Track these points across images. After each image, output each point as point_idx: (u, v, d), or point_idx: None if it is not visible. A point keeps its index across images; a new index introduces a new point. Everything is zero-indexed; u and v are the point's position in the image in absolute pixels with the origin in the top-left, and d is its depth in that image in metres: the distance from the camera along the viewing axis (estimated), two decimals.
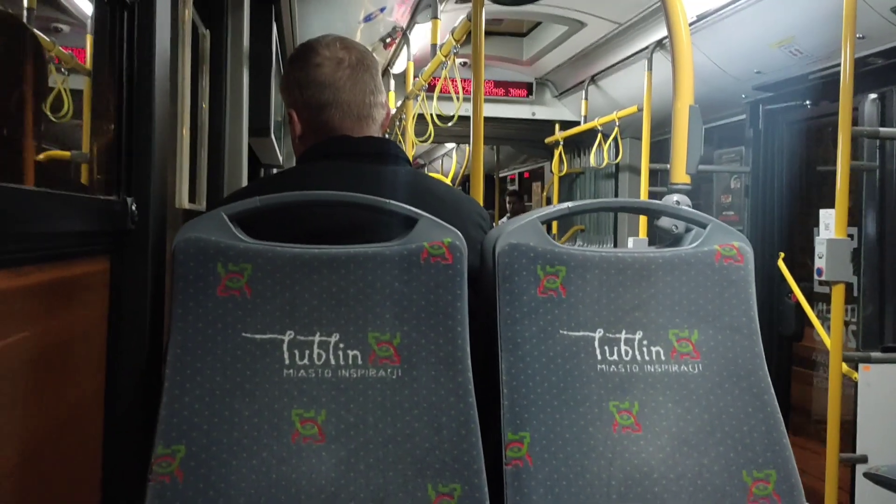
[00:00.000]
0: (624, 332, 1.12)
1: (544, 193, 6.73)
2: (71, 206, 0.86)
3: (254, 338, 1.03)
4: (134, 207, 1.02)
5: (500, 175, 9.26)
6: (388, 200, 1.10)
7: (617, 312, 1.13)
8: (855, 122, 2.77)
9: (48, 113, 1.03)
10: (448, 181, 4.68)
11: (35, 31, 1.02)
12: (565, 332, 1.11)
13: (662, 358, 1.12)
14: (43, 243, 0.80)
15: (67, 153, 1.12)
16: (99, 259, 1.00)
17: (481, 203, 2.20)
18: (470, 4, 2.26)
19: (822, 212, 2.65)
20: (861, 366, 2.46)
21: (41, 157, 1.01)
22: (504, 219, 7.89)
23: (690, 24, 3.27)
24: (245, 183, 2.24)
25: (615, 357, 1.11)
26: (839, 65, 2.37)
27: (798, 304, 3.20)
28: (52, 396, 0.88)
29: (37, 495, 0.84)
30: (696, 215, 1.20)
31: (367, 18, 3.61)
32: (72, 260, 0.91)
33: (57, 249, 0.85)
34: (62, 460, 0.92)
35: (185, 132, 1.61)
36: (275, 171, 3.80)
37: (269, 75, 2.45)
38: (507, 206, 8.05)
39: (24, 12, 1.03)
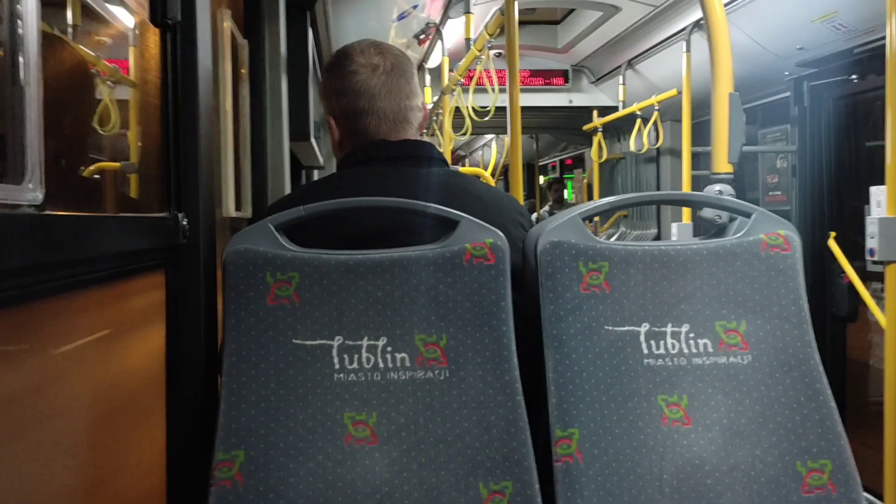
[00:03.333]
0: (670, 325, 1.12)
1: (585, 180, 6.67)
2: (129, 227, 0.89)
3: (304, 344, 1.06)
4: (185, 223, 1.05)
5: (541, 163, 9.21)
6: (429, 204, 1.11)
7: (662, 306, 1.12)
8: None
9: (97, 126, 1.07)
10: (489, 171, 4.68)
11: (80, 46, 1.05)
12: (610, 328, 1.11)
13: (710, 350, 1.12)
14: (106, 263, 0.84)
15: (117, 164, 1.16)
16: (155, 273, 1.04)
17: (522, 191, 2.20)
18: None
19: (873, 189, 2.57)
20: None
21: (93, 167, 1.05)
22: (547, 206, 7.85)
23: (729, 4, 3.22)
24: (288, 187, 2.28)
25: (662, 351, 1.11)
26: (885, 37, 2.30)
27: (851, 285, 3.12)
28: (117, 407, 0.92)
29: (105, 502, 0.88)
30: (740, 205, 1.18)
31: (401, 17, 3.63)
32: (130, 276, 0.95)
33: (117, 268, 0.88)
34: (128, 467, 0.97)
35: (229, 142, 1.65)
36: (315, 172, 3.85)
37: (307, 80, 2.48)
38: (549, 194, 8.00)
39: (70, 28, 1.07)
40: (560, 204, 7.68)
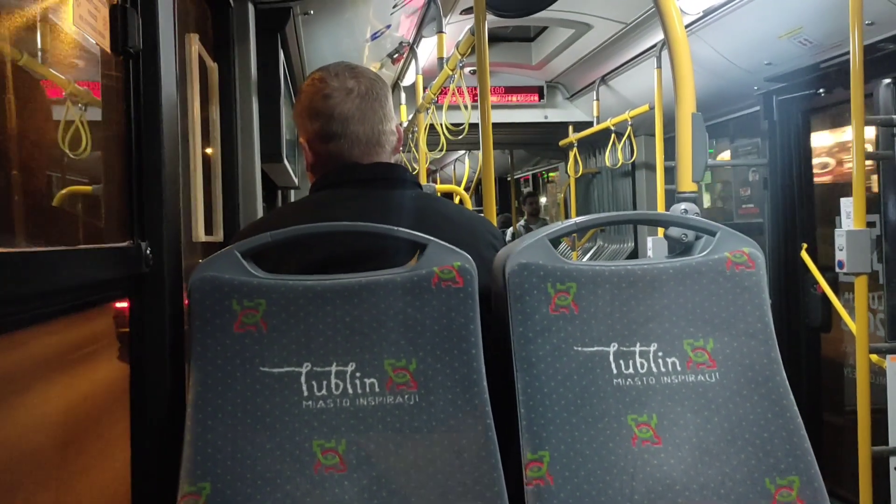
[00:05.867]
0: (638, 344, 1.12)
1: (561, 195, 6.71)
2: (87, 258, 0.88)
3: (272, 371, 1.05)
4: (148, 251, 1.04)
5: (515, 176, 9.24)
6: (396, 228, 1.11)
7: (630, 325, 1.13)
8: (872, 107, 2.73)
9: (67, 150, 1.06)
10: (462, 187, 4.69)
11: (51, 70, 1.04)
12: (579, 349, 1.11)
13: (679, 368, 1.12)
14: (64, 296, 0.82)
15: (89, 188, 1.15)
16: (118, 303, 1.03)
17: (494, 208, 2.21)
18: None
19: (843, 200, 2.61)
20: (889, 356, 2.43)
21: (64, 190, 1.03)
22: (522, 221, 7.88)
23: (697, 21, 3.27)
24: (260, 210, 2.27)
25: (631, 370, 1.11)
26: (849, 52, 2.35)
27: (824, 295, 3.15)
28: (80, 439, 0.90)
29: None
30: (705, 224, 1.19)
31: (374, 36, 3.64)
32: (93, 307, 0.94)
33: (77, 300, 0.87)
34: (92, 500, 0.95)
35: (198, 167, 1.64)
36: (292, 192, 3.84)
37: (278, 101, 2.48)
38: (524, 208, 8.04)
39: (39, 53, 1.06)
40: (535, 217, 7.74)
